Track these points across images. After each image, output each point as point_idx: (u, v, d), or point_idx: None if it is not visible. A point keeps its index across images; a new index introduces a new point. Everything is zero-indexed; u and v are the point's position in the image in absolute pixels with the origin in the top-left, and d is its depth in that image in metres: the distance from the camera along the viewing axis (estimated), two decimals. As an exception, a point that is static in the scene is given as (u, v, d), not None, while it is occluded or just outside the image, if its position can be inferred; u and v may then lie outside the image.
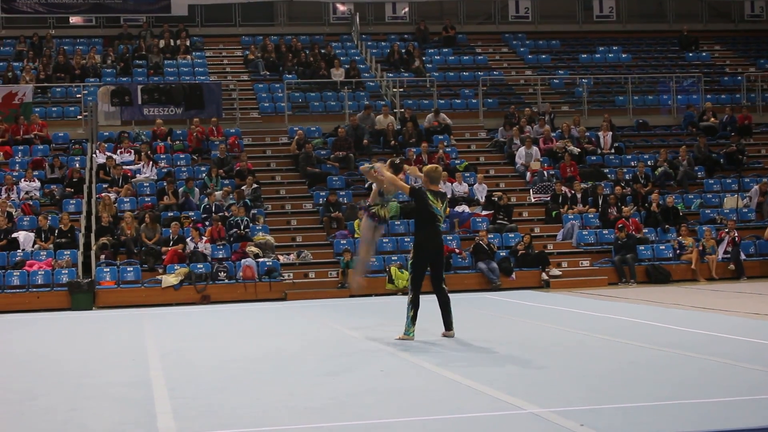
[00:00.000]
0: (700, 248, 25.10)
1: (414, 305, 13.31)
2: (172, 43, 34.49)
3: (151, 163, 27.22)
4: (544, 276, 24.30)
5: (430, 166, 13.96)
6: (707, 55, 37.23)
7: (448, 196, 26.37)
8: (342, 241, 24.55)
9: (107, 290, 22.69)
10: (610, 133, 30.00)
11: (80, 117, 30.34)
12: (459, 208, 26.26)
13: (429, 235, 13.35)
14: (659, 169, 28.42)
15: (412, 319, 13.33)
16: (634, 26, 38.81)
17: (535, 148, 28.84)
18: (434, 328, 13.75)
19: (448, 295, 13.57)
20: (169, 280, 22.86)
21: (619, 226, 25.14)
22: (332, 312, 19.24)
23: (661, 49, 37.66)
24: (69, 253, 23.46)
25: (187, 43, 34.70)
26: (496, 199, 26.54)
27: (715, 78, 35.38)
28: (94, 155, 27.76)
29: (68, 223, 24.18)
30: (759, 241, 25.94)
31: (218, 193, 25.73)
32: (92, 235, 24.40)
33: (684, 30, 37.65)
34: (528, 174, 28.32)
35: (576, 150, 28.97)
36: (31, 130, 28.51)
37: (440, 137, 29.51)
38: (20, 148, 28.09)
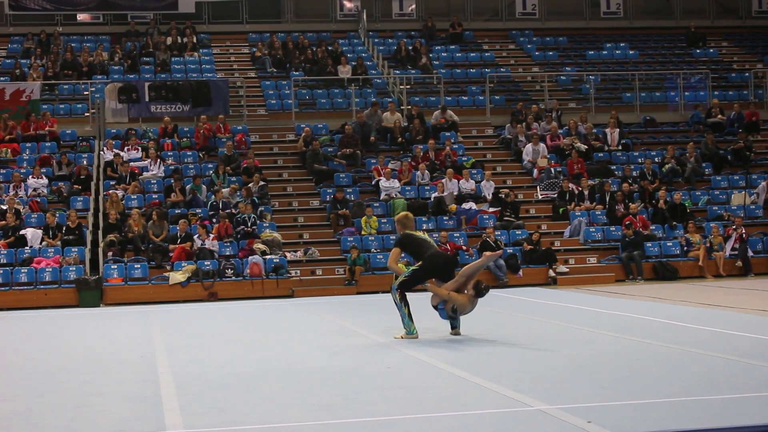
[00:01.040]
0: (708, 245, 25.09)
1: (405, 303, 13.37)
2: (179, 41, 34.53)
3: (158, 160, 27.27)
4: (551, 273, 24.33)
5: (399, 215, 14.40)
6: (714, 51, 37.18)
7: (455, 193, 26.49)
8: (349, 238, 24.60)
9: (115, 287, 22.74)
10: (617, 129, 29.97)
11: (88, 114, 30.41)
12: (466, 205, 26.26)
13: (433, 259, 13.41)
14: (666, 166, 28.38)
15: (409, 316, 13.36)
16: (641, 23, 38.78)
17: (542, 145, 28.81)
18: (440, 326, 13.73)
19: None
20: (177, 277, 22.90)
21: (627, 223, 25.14)
22: (339, 309, 19.26)
23: (668, 46, 37.61)
24: (76, 250, 23.51)
25: (194, 40, 34.75)
26: (503, 196, 26.53)
27: (723, 74, 35.28)
28: (101, 152, 27.81)
29: (76, 220, 24.22)
30: (766, 238, 25.92)
31: (225, 191, 25.76)
32: (100, 232, 24.40)
33: (691, 26, 37.60)
34: (535, 171, 28.30)
35: (583, 147, 28.95)
36: (41, 127, 28.58)
37: (447, 134, 29.51)
38: (28, 145, 28.17)
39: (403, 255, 14.10)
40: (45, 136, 28.40)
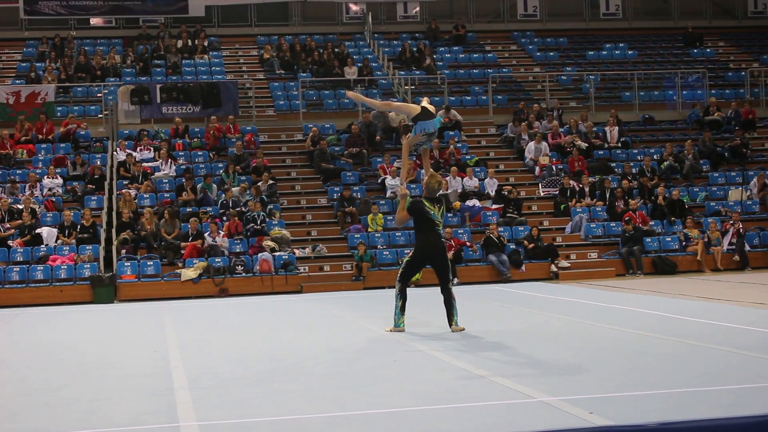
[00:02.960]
0: (706, 240, 25.29)
1: (401, 296, 13.52)
2: (189, 44, 34.73)
3: (170, 160, 27.55)
4: (553, 268, 24.58)
5: (429, 177, 13.81)
6: (711, 51, 37.37)
7: (459, 190, 26.83)
8: (356, 235, 24.87)
9: (128, 284, 23.07)
10: (617, 128, 30.25)
11: (101, 116, 30.73)
12: (470, 202, 26.55)
13: (429, 240, 13.47)
14: (665, 163, 28.69)
15: (401, 310, 13.52)
16: (640, 23, 38.96)
17: (543, 143, 29.12)
18: (444, 321, 13.66)
19: (453, 294, 13.49)
20: (188, 273, 23.19)
21: (626, 218, 25.39)
22: (346, 304, 19.39)
23: (666, 46, 37.77)
24: (91, 248, 23.81)
25: (205, 43, 34.95)
26: (506, 193, 26.80)
27: (720, 73, 35.46)
28: (114, 153, 28.09)
29: (90, 219, 24.52)
30: (763, 233, 26.24)
31: (235, 189, 26.05)
32: (113, 231, 24.69)
33: (689, 27, 37.78)
34: (537, 168, 28.62)
35: (583, 145, 29.26)
36: (66, 125, 29.06)
37: (451, 133, 29.72)
38: (43, 146, 28.51)
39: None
40: (70, 132, 28.75)
